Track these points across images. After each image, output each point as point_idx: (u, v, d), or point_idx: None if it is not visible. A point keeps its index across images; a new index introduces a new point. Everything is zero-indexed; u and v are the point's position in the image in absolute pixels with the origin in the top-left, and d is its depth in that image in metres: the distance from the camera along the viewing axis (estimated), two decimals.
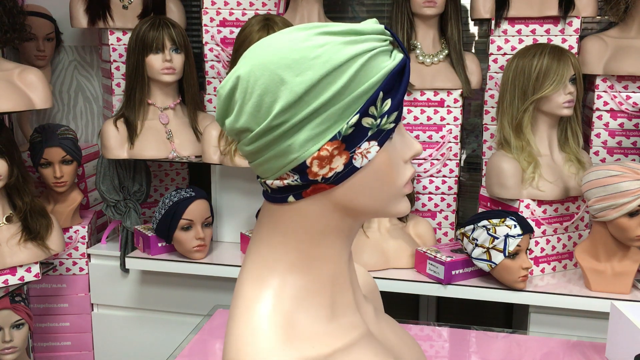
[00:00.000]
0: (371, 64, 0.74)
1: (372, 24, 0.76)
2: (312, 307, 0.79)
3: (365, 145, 0.75)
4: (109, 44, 2.46)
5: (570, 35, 2.24)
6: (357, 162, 0.75)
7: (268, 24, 2.05)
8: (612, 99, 2.20)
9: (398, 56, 0.76)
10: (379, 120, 0.74)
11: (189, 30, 2.56)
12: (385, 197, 0.79)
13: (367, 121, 0.74)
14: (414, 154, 0.80)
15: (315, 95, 0.72)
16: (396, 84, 0.75)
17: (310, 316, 0.79)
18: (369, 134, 0.75)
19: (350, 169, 0.75)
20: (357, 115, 0.73)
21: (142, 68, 2.24)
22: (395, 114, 0.76)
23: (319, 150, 0.74)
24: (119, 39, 2.46)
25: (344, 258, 0.83)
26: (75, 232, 2.47)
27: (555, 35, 2.25)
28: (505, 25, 2.27)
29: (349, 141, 0.74)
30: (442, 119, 2.29)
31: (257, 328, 0.75)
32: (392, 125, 0.76)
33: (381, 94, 0.74)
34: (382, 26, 0.77)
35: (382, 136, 0.76)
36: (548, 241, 2.12)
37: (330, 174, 0.75)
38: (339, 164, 0.75)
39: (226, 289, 2.31)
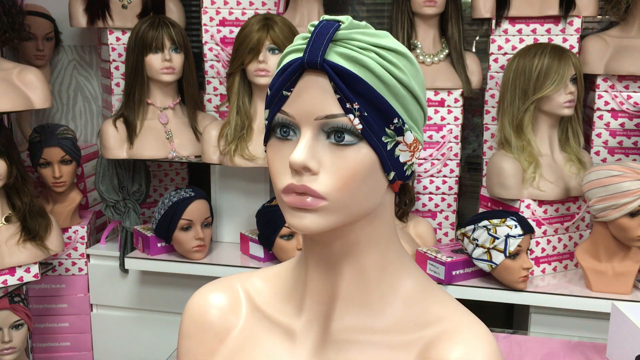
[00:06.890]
0: (281, 62, 0.76)
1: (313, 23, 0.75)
2: (287, 282, 0.86)
3: None
4: (108, 44, 2.46)
5: (571, 35, 2.24)
6: None
7: (268, 24, 2.05)
8: (613, 98, 2.20)
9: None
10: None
11: (188, 29, 2.55)
12: (278, 196, 0.75)
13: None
14: (290, 164, 0.71)
15: None
16: (277, 84, 0.73)
17: (280, 288, 0.86)
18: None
19: None
20: (266, 111, 0.77)
21: (141, 68, 2.23)
22: (267, 112, 0.75)
23: None
24: (118, 39, 2.46)
25: (311, 257, 0.80)
26: (74, 232, 2.46)
27: (556, 35, 2.24)
28: (506, 25, 2.26)
29: None
30: (443, 118, 2.29)
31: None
32: (265, 122, 0.76)
33: (269, 91, 0.75)
34: (311, 24, 0.73)
35: (265, 133, 0.77)
36: (549, 241, 2.11)
37: None
38: None
39: None
